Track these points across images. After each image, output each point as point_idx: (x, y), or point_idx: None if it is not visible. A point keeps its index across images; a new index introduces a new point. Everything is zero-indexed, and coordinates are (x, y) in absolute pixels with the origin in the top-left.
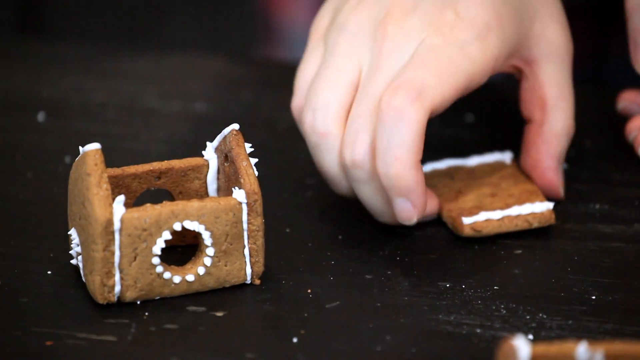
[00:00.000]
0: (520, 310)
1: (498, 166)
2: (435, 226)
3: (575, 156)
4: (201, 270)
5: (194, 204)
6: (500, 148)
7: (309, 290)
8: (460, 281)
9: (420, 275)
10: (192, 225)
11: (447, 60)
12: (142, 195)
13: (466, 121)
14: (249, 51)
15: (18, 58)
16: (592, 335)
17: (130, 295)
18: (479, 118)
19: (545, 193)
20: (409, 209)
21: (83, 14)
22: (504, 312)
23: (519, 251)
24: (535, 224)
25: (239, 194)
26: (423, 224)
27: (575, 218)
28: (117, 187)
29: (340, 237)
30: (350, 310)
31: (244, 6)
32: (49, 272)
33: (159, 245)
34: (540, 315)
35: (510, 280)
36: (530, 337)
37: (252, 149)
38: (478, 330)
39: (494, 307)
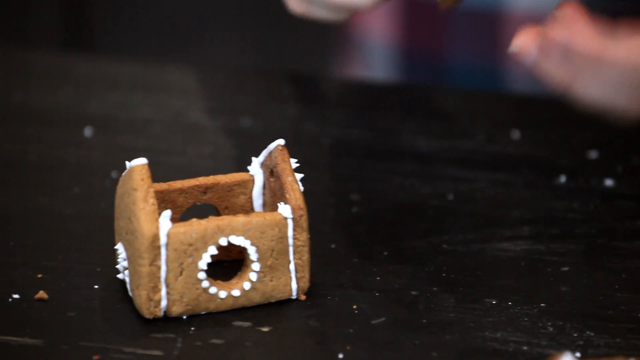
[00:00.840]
0: (568, 328)
1: None
2: (482, 243)
3: (623, 172)
4: (247, 286)
5: (240, 219)
6: (546, 165)
7: (355, 306)
8: (506, 298)
9: (466, 292)
10: (237, 241)
11: None
12: (188, 210)
13: (512, 137)
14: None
15: (65, 74)
16: None
17: (176, 310)
18: (525, 134)
19: None
20: None
21: (129, 30)
22: (551, 329)
23: (566, 268)
24: None
25: (284, 209)
26: (467, 241)
27: (623, 235)
28: (163, 201)
29: (385, 253)
30: (396, 326)
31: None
32: (96, 287)
33: (204, 260)
34: (588, 333)
35: (557, 297)
36: (578, 354)
37: (298, 165)
38: (525, 348)
39: (540, 325)
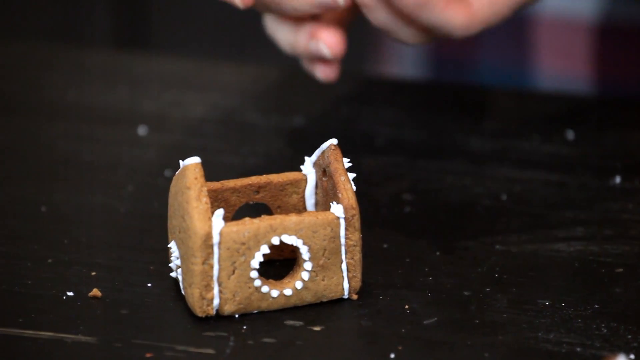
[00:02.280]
0: (622, 330)
1: None
2: (535, 244)
3: None
4: (299, 285)
5: (292, 218)
6: (601, 165)
7: (407, 306)
8: (560, 299)
9: (519, 293)
10: (290, 240)
11: None
12: (240, 209)
13: (567, 138)
14: (358, 66)
15: (119, 72)
16: None
17: (228, 309)
18: (579, 135)
19: None
20: None
21: (184, 28)
22: (605, 331)
23: (620, 269)
24: None
25: (336, 209)
26: (521, 242)
27: None
28: (216, 200)
29: (438, 253)
30: (448, 327)
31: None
32: (149, 285)
33: (257, 259)
34: None
35: (612, 298)
36: (632, 356)
37: (350, 164)
38: (578, 349)
39: (594, 326)
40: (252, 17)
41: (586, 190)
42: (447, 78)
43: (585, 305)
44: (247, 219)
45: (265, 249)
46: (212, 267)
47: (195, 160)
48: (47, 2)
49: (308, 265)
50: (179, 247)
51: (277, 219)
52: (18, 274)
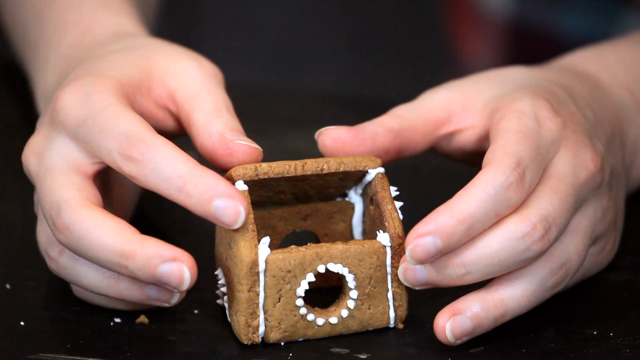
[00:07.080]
0: None
1: None
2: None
3: None
4: (344, 313)
5: (338, 246)
6: None
7: None
8: (608, 328)
9: (566, 322)
10: (335, 268)
11: None
12: (287, 236)
13: None
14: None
15: None
16: None
17: (274, 337)
18: None
19: None
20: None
21: (229, 58)
22: None
23: None
24: None
25: (383, 237)
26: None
27: None
28: (263, 227)
29: (483, 282)
30: (495, 355)
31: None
32: (196, 312)
33: (302, 287)
34: None
35: None
36: None
37: (397, 193)
38: None
39: None
40: (299, 45)
41: (634, 220)
42: None
43: (634, 335)
44: (293, 247)
45: (311, 277)
46: (257, 294)
47: (242, 187)
48: None
49: (354, 294)
50: (225, 275)
51: (323, 247)
52: (66, 300)
